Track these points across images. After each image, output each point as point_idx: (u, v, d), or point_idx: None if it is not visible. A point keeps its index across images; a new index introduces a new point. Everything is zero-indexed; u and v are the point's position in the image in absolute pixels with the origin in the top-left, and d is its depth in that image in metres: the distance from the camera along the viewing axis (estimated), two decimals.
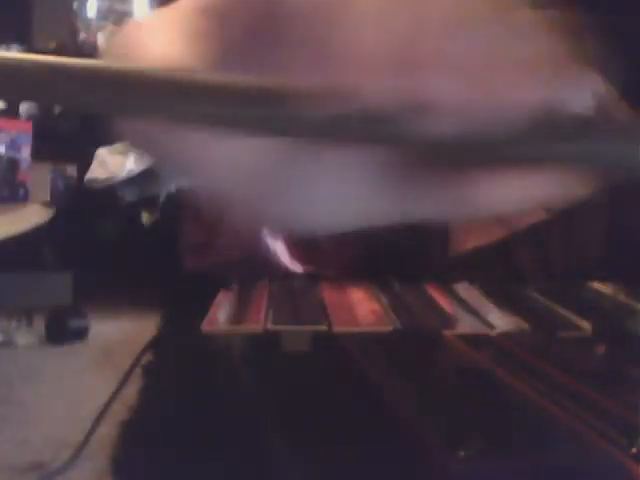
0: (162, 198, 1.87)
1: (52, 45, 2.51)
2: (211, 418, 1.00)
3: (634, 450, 0.84)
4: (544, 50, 0.44)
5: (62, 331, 1.57)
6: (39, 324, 1.59)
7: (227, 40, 0.40)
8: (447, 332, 1.46)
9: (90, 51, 2.43)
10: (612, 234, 1.78)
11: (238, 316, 1.60)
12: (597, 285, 1.78)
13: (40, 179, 1.88)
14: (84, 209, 1.90)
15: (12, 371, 1.37)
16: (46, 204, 1.84)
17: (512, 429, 0.95)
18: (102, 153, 1.90)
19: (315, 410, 1.02)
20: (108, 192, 1.86)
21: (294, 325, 1.47)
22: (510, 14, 0.47)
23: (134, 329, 1.59)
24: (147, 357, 1.24)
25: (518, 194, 0.44)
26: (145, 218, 1.86)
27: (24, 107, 2.15)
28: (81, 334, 1.58)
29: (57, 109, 2.09)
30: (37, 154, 1.91)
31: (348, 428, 0.94)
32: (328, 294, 1.74)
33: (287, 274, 1.88)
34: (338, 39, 0.37)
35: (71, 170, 1.94)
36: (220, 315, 1.59)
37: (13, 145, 1.87)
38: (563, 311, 1.60)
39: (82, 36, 2.45)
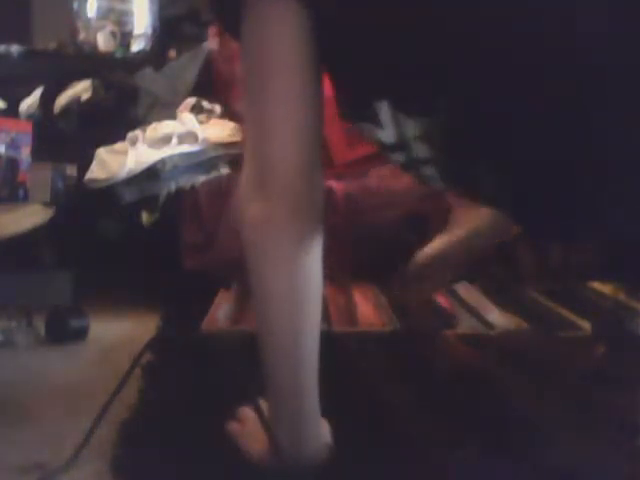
0: (162, 198, 1.87)
1: (52, 45, 2.50)
2: (211, 418, 1.00)
3: (634, 450, 0.84)
4: None
5: (62, 331, 1.56)
6: (39, 324, 1.59)
7: None
8: (447, 332, 1.47)
9: (90, 51, 2.42)
10: (612, 235, 1.77)
11: (238, 316, 1.60)
12: (597, 285, 1.78)
13: (40, 179, 1.88)
14: (84, 209, 1.89)
15: (12, 371, 1.37)
16: (46, 204, 1.84)
17: (512, 429, 0.95)
18: (102, 153, 1.90)
19: None
20: (108, 192, 1.85)
21: None
22: None
23: (134, 329, 1.59)
24: (147, 357, 1.24)
25: None
26: (145, 218, 1.86)
27: (24, 107, 2.15)
28: (81, 334, 1.57)
29: (57, 109, 2.09)
30: (37, 154, 1.90)
31: (348, 428, 0.94)
32: (328, 294, 1.74)
33: None
34: None
35: (71, 170, 1.93)
36: (220, 315, 1.59)
37: (13, 145, 1.86)
38: (563, 311, 1.60)
39: (82, 36, 2.44)
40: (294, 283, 0.84)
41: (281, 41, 0.81)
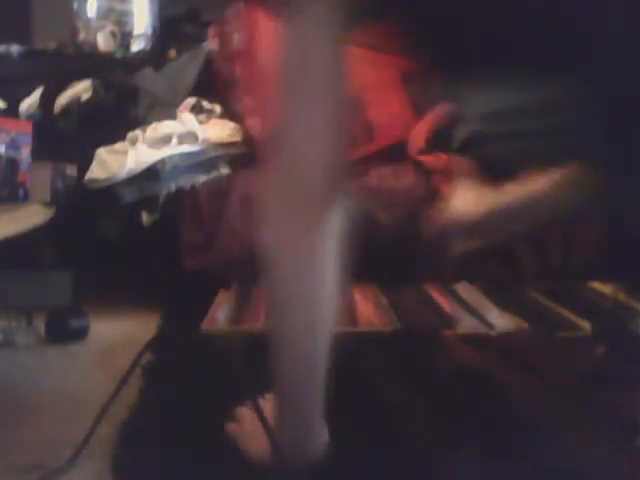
0: (162, 198, 1.87)
1: (52, 45, 2.50)
2: (211, 418, 1.00)
3: (634, 449, 0.84)
4: None
5: (62, 331, 1.56)
6: (39, 324, 1.59)
7: None
8: (447, 332, 1.47)
9: (90, 51, 2.42)
10: (612, 235, 1.77)
11: (238, 316, 1.60)
12: (597, 285, 1.78)
13: (40, 179, 1.88)
14: (84, 209, 1.89)
15: (12, 371, 1.37)
16: (46, 204, 1.84)
17: (512, 429, 0.95)
18: (102, 153, 1.90)
19: None
20: (108, 192, 1.85)
21: None
22: None
23: (134, 329, 1.59)
24: (147, 357, 1.24)
25: None
26: (145, 218, 1.86)
27: (24, 107, 2.15)
28: (81, 334, 1.57)
29: (57, 109, 2.09)
30: (37, 154, 1.90)
31: (348, 428, 0.94)
32: None
33: None
34: None
35: (71, 170, 1.93)
36: (220, 315, 1.59)
37: (13, 145, 1.86)
38: (563, 311, 1.60)
39: (82, 36, 2.44)
40: (315, 287, 0.83)
41: (320, 42, 0.80)
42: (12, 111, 2.13)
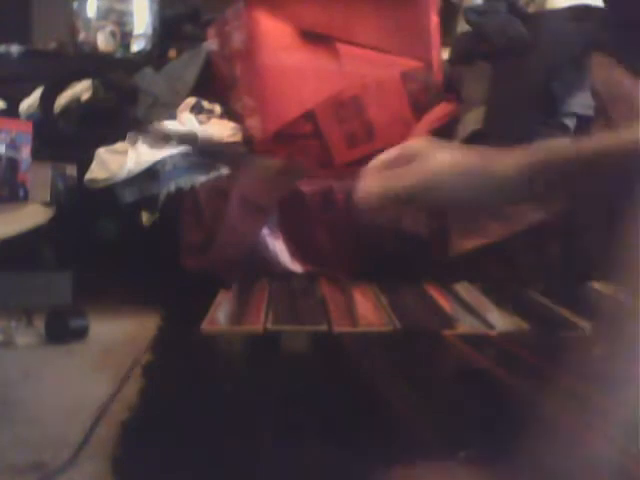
0: (162, 198, 1.87)
1: (52, 45, 2.51)
2: (211, 418, 1.00)
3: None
4: None
5: (62, 331, 1.56)
6: (39, 324, 1.59)
7: None
8: (447, 332, 1.47)
9: (90, 51, 2.42)
10: (612, 235, 1.77)
11: (238, 316, 1.60)
12: (597, 285, 1.78)
13: (40, 179, 1.88)
14: (84, 209, 1.89)
15: (12, 371, 1.37)
16: (46, 204, 1.84)
17: (512, 429, 0.95)
18: (102, 153, 1.90)
19: (314, 410, 1.02)
20: (108, 192, 1.85)
21: (294, 325, 1.47)
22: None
23: (134, 329, 1.59)
24: (147, 357, 1.24)
25: None
26: (145, 218, 1.86)
27: (24, 107, 2.15)
28: (81, 334, 1.57)
29: (57, 109, 2.09)
30: (37, 154, 1.90)
31: (348, 428, 0.94)
32: (328, 294, 1.74)
33: (287, 274, 1.88)
34: None
35: (71, 170, 1.93)
36: (220, 315, 1.59)
37: (13, 145, 1.86)
38: (563, 311, 1.60)
39: (82, 36, 2.44)
40: None
41: None
42: (12, 111, 2.13)
